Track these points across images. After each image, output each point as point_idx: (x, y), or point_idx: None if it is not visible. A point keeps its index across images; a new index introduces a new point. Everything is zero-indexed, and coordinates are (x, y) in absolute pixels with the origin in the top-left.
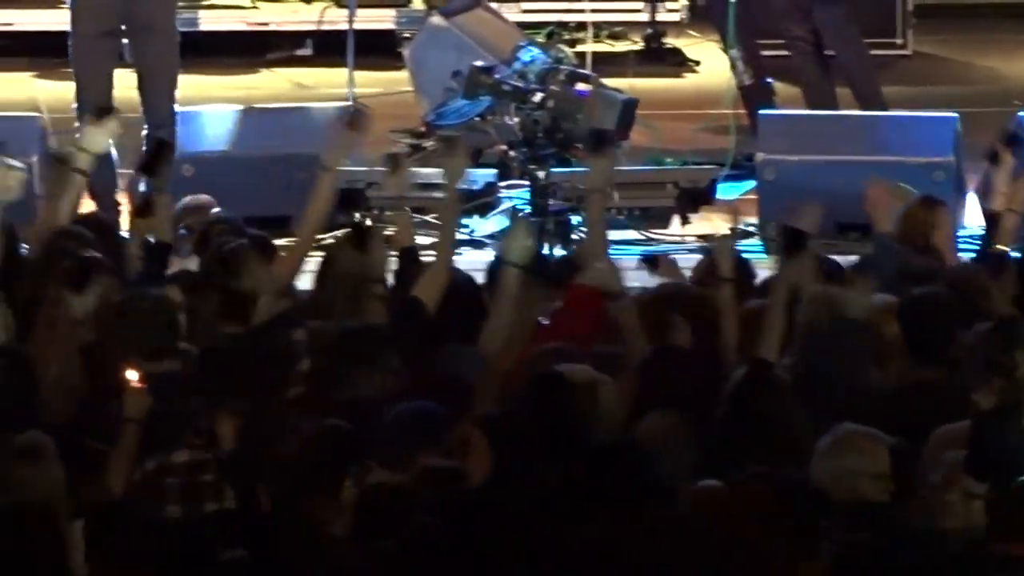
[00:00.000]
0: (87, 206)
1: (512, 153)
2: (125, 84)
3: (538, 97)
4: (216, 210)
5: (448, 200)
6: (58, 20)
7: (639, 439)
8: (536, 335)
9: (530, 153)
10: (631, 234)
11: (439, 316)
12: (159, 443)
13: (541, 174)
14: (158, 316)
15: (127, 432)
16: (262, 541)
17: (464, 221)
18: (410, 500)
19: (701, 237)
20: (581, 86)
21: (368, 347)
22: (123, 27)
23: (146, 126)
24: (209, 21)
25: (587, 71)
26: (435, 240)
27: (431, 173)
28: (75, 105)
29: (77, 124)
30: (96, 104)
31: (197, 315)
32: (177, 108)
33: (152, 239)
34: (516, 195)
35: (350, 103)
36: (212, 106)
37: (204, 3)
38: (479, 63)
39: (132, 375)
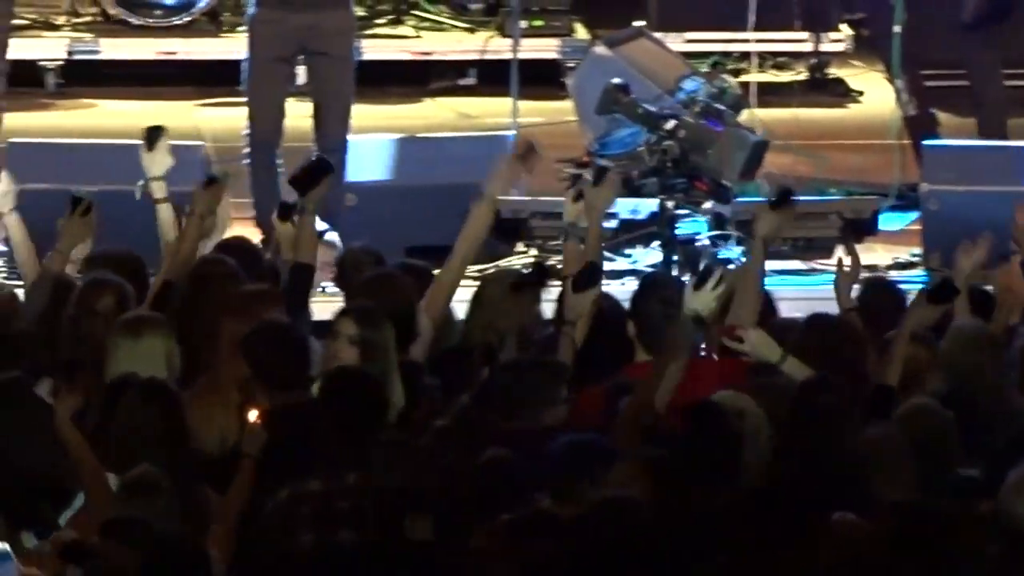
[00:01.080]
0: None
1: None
2: (296, 112)
3: (670, 125)
4: None
5: (590, 231)
6: (222, 49)
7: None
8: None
9: (659, 182)
10: (795, 264)
11: (585, 346)
12: (301, 469)
13: (670, 203)
14: (291, 345)
15: (243, 468)
16: (420, 571)
17: (627, 251)
18: (578, 531)
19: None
20: (715, 120)
21: (550, 381)
22: (300, 54)
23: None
24: (373, 50)
25: (723, 107)
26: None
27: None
28: (246, 131)
29: (246, 151)
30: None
31: (373, 346)
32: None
33: (293, 260)
34: (682, 227)
35: (518, 133)
36: (375, 135)
37: (368, 32)
38: (617, 80)
39: (254, 414)
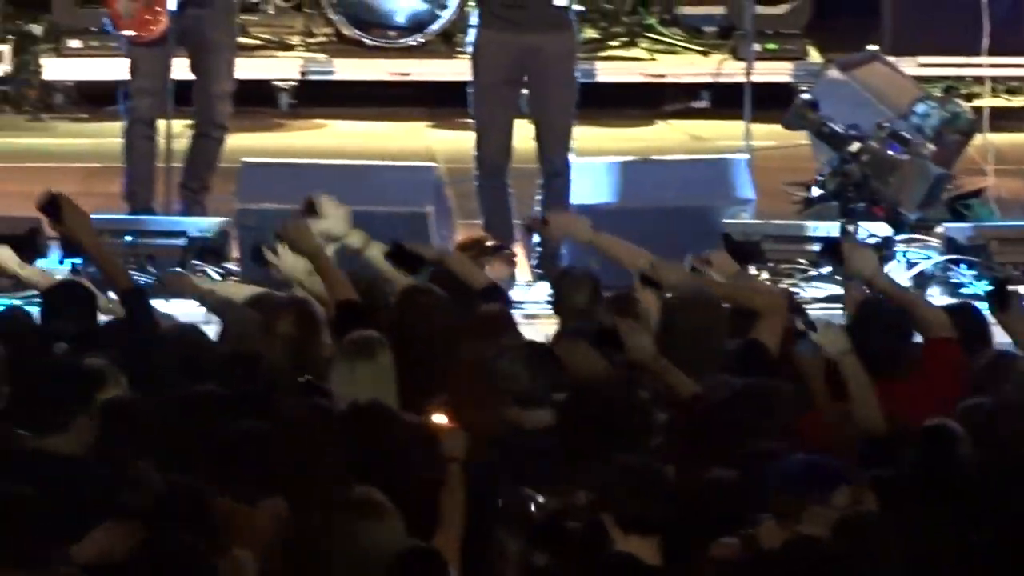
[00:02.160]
0: None
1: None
2: (522, 134)
3: (855, 147)
4: None
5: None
6: (454, 70)
7: None
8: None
9: (840, 206)
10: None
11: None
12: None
13: (850, 227)
14: (533, 364)
15: (451, 472)
16: None
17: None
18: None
19: None
20: (900, 147)
21: (777, 404)
22: (524, 77)
23: (541, 176)
24: (607, 73)
25: (907, 135)
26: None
27: None
28: (475, 153)
29: (476, 173)
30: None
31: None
32: (572, 159)
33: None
34: (911, 252)
35: (746, 157)
36: (606, 158)
37: (602, 54)
38: (806, 96)
39: (440, 418)
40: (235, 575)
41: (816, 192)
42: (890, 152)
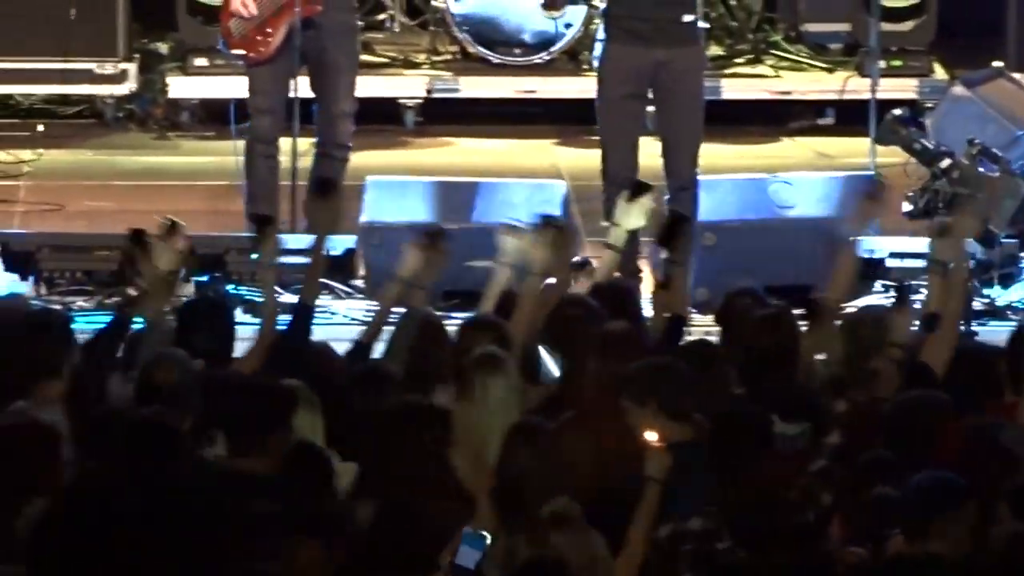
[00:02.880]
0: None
1: None
2: (648, 151)
3: (945, 163)
4: None
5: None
6: (580, 88)
7: None
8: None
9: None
10: None
11: (947, 382)
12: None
13: None
14: (679, 381)
15: (649, 492)
16: None
17: (985, 291)
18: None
19: None
20: (991, 164)
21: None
22: (650, 92)
23: (667, 191)
24: (732, 90)
25: (999, 153)
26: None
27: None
28: (602, 168)
29: (604, 193)
30: (624, 176)
31: (712, 381)
32: (699, 176)
33: (668, 314)
34: None
35: (871, 173)
36: (733, 175)
37: (727, 72)
38: (898, 111)
39: (651, 435)
40: None
41: (906, 207)
42: (980, 169)
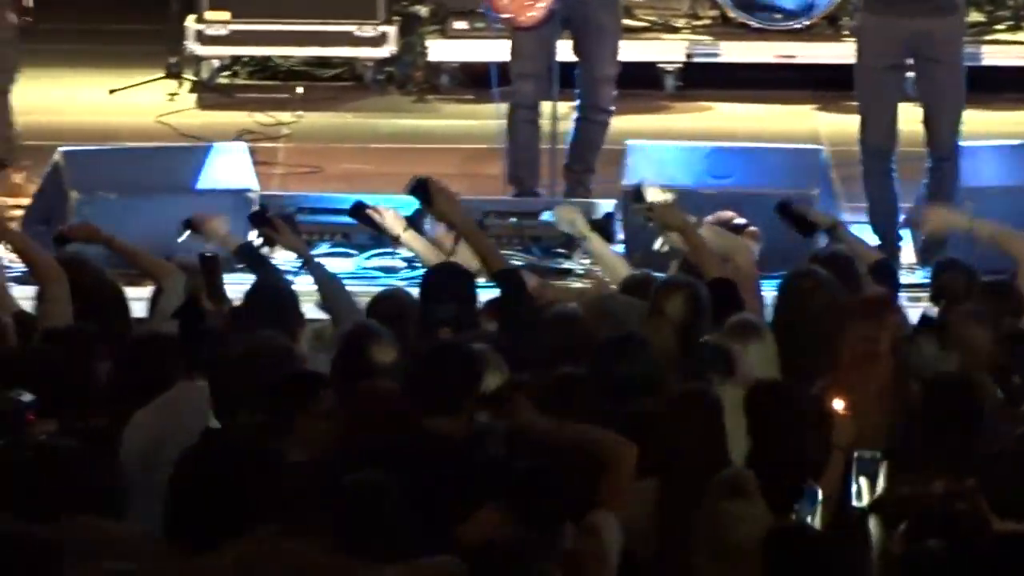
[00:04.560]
0: None
1: None
2: (909, 117)
3: None
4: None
5: None
6: (840, 53)
7: None
8: None
9: None
10: None
11: None
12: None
13: None
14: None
15: (835, 460)
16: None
17: None
18: None
19: None
20: None
21: None
22: (909, 60)
23: (929, 159)
24: (992, 56)
25: None
26: None
27: None
28: (860, 137)
29: (861, 157)
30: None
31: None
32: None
33: None
34: None
35: None
36: (993, 141)
37: (987, 38)
38: None
39: (839, 404)
40: (595, 534)
41: None
42: None
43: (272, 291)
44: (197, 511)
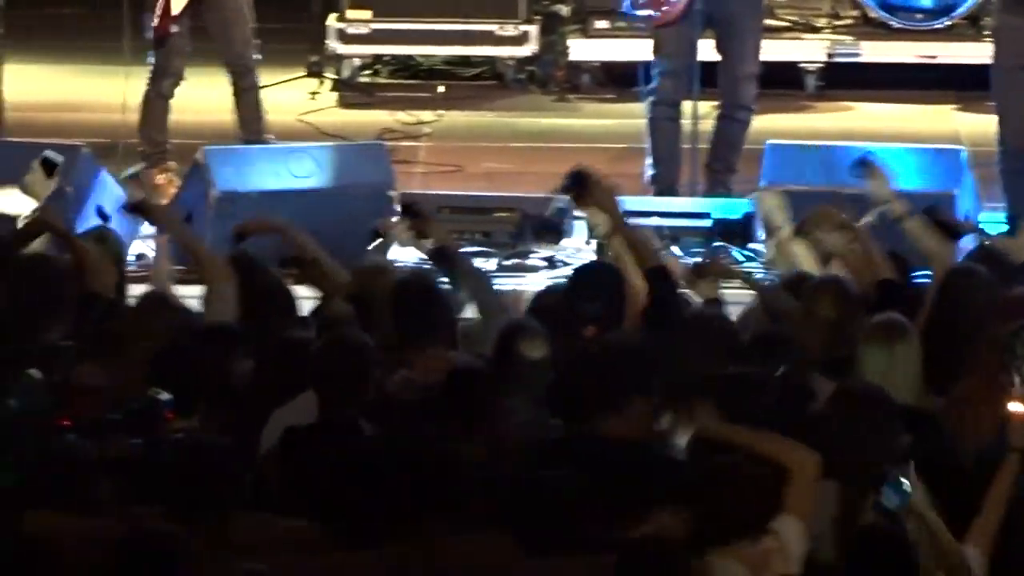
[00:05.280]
0: None
1: None
2: None
3: None
4: None
5: None
6: (981, 53)
7: None
8: None
9: None
10: None
11: None
12: None
13: None
14: None
15: (1009, 461)
16: None
17: None
18: None
19: None
20: None
21: None
22: None
23: None
24: None
25: None
26: None
27: None
28: (997, 138)
29: (999, 158)
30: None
31: None
32: None
33: None
34: None
35: None
36: None
37: None
38: None
39: (1016, 407)
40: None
41: None
42: None
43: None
44: (364, 508)
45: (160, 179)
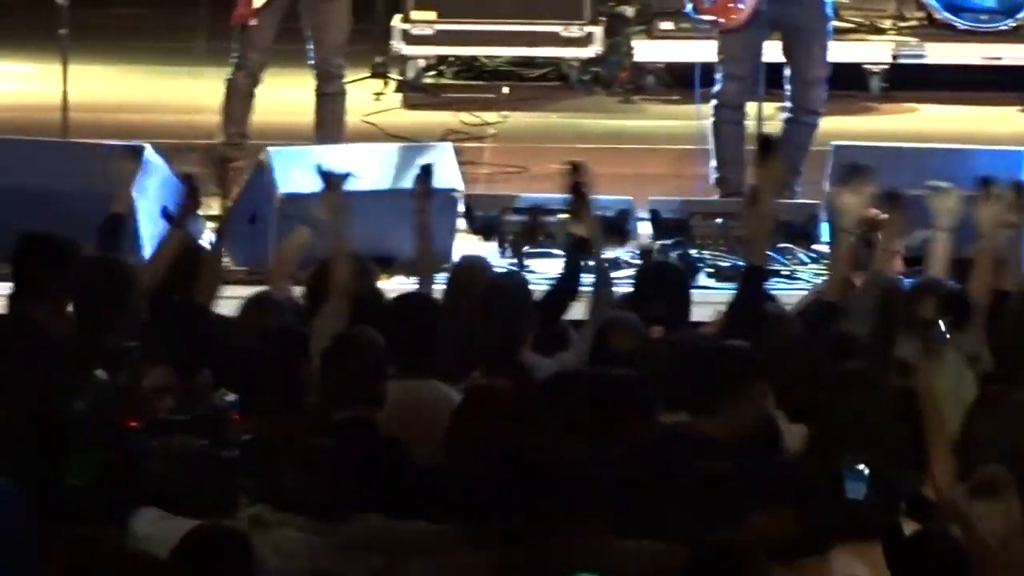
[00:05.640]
0: None
1: None
2: None
3: None
4: None
5: None
6: None
7: None
8: None
9: None
10: None
11: None
12: None
13: None
14: None
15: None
16: None
17: None
18: None
19: None
20: None
21: None
22: None
23: None
24: None
25: None
26: None
27: None
28: None
29: None
30: None
31: None
32: None
33: None
34: None
35: None
36: None
37: None
38: None
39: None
40: None
41: None
42: None
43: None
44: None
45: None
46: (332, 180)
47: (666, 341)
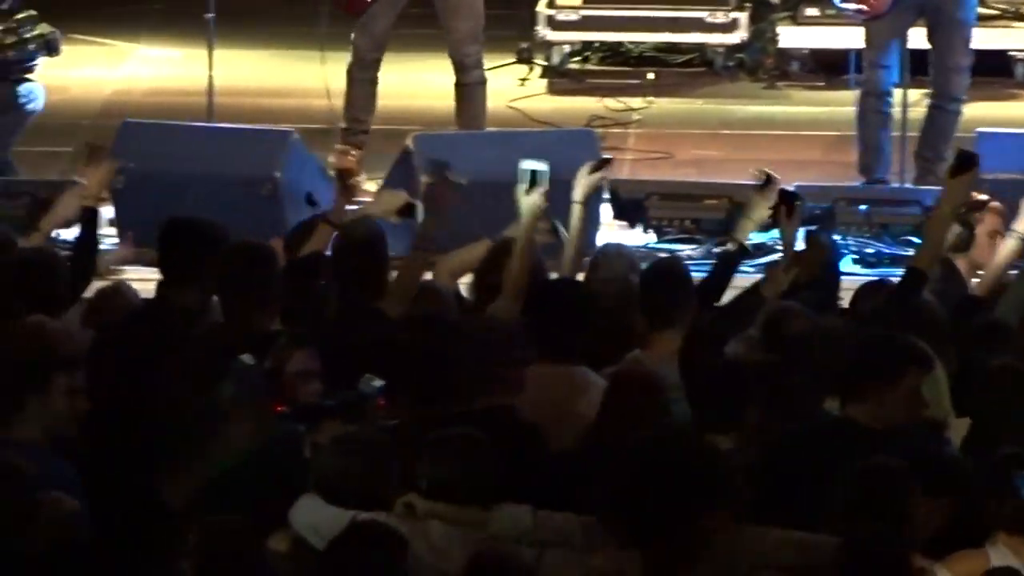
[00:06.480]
0: None
1: None
2: None
3: None
4: None
5: None
6: None
7: None
8: None
9: None
10: None
11: None
12: None
13: None
14: None
15: None
16: None
17: None
18: None
19: None
20: None
21: None
22: None
23: None
24: None
25: None
26: None
27: None
28: None
29: None
30: None
31: None
32: None
33: None
34: None
35: None
36: None
37: None
38: None
39: None
40: None
41: None
42: None
43: None
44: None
45: (348, 160)
46: (535, 177)
47: (829, 328)
